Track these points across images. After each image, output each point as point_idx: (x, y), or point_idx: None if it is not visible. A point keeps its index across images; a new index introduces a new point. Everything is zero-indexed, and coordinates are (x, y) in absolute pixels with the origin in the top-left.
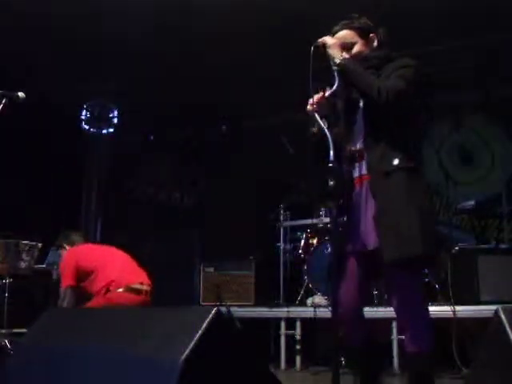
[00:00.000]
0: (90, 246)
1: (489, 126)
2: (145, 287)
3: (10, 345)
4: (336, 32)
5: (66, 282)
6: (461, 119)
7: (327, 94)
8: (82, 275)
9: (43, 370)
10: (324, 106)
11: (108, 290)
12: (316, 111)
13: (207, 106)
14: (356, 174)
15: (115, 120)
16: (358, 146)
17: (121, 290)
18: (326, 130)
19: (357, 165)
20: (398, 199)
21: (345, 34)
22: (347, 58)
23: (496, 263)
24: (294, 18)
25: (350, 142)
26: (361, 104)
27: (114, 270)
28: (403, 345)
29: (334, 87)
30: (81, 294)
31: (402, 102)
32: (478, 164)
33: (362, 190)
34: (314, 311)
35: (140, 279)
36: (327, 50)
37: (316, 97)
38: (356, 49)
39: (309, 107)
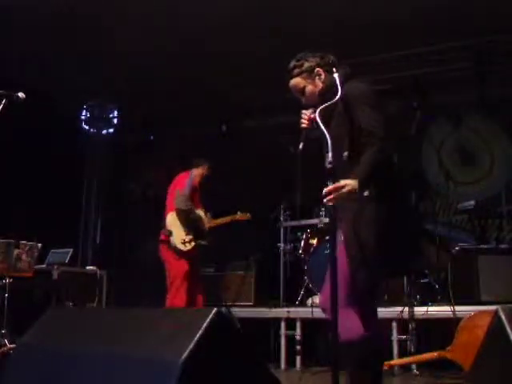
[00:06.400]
0: None
1: (489, 125)
2: None
3: (10, 345)
4: (289, 82)
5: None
6: (461, 119)
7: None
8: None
9: (43, 370)
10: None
11: None
12: (306, 128)
13: (207, 105)
14: None
15: (115, 120)
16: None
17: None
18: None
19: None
20: (358, 228)
21: (294, 82)
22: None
23: (496, 263)
24: (295, 17)
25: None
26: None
27: None
28: (403, 345)
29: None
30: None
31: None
32: (478, 164)
33: None
34: (314, 311)
35: None
36: None
37: (307, 114)
38: (307, 91)
39: (303, 124)
